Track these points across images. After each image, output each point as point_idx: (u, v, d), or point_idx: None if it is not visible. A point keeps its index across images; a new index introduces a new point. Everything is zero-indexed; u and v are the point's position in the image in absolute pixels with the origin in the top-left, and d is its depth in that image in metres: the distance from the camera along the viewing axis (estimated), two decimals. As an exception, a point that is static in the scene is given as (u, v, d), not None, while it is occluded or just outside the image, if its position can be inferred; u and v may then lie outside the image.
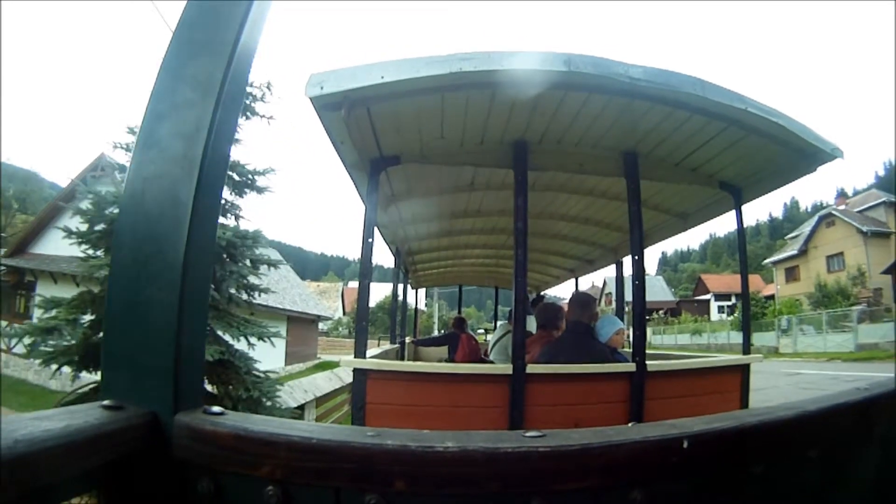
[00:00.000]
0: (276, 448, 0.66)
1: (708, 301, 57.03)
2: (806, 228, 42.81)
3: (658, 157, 3.59)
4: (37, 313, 9.83)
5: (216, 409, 0.73)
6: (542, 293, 9.08)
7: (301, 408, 8.80)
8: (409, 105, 2.86)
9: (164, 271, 0.74)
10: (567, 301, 4.93)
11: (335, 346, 37.98)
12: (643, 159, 3.54)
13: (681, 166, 3.69)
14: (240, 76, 0.85)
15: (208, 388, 7.15)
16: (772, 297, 42.07)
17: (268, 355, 20.29)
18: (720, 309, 54.29)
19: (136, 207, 0.77)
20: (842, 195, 42.94)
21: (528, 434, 0.68)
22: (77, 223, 7.38)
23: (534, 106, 3.04)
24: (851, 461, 0.82)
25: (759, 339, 30.67)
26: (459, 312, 10.21)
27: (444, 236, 6.50)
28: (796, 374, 14.87)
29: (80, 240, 7.23)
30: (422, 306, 13.32)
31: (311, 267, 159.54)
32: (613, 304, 6.67)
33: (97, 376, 6.11)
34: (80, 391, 6.88)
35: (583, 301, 3.82)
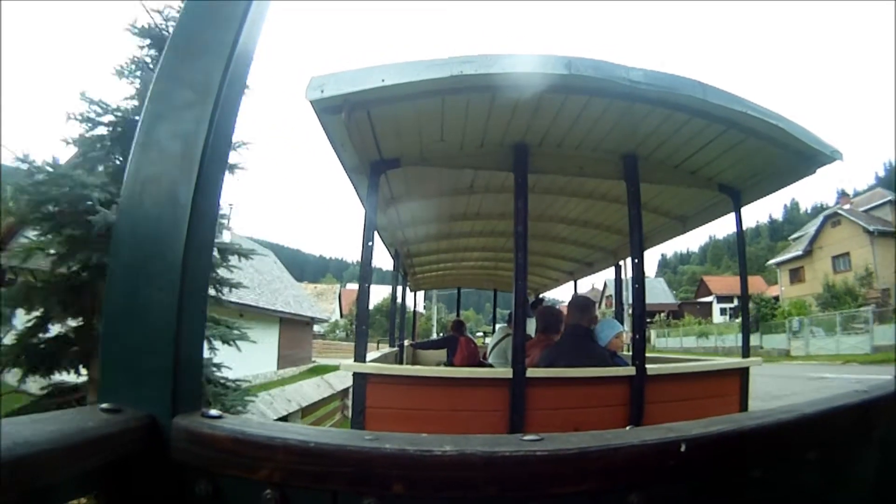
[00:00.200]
0: (273, 451, 0.66)
1: (710, 303, 56.69)
2: (811, 228, 42.21)
3: (658, 159, 3.60)
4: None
5: (214, 411, 0.73)
6: (540, 296, 9.08)
7: (284, 420, 8.13)
8: (410, 108, 2.86)
9: (163, 273, 0.74)
10: (566, 304, 4.94)
11: (331, 349, 37.65)
12: (643, 162, 3.55)
13: (680, 169, 3.70)
14: (238, 77, 0.85)
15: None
16: (776, 298, 41.35)
17: (259, 359, 19.58)
18: (723, 311, 53.81)
19: (135, 208, 0.77)
20: (843, 196, 42.40)
21: (525, 438, 0.68)
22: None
23: (534, 109, 3.05)
24: (850, 464, 0.82)
25: (768, 341, 30.19)
26: (458, 315, 10.21)
27: (444, 239, 6.50)
28: (819, 379, 13.84)
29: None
30: (420, 309, 13.22)
31: (309, 269, 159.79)
32: (614, 307, 6.67)
33: (58, 378, 5.97)
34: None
35: (582, 304, 3.82)
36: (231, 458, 0.67)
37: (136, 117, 5.98)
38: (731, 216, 3.96)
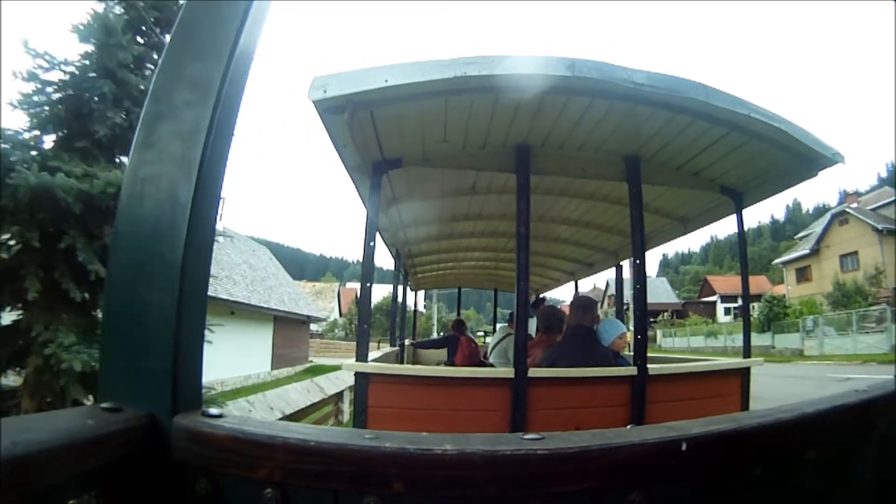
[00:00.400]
0: (274, 450, 0.66)
1: (714, 303, 56.38)
2: (817, 227, 41.52)
3: (660, 161, 3.60)
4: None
5: (214, 410, 0.73)
6: (541, 295, 9.08)
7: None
8: (413, 108, 2.87)
9: (163, 272, 0.74)
10: (568, 304, 4.94)
11: (330, 348, 37.28)
12: (645, 164, 3.55)
13: (682, 170, 3.70)
14: (239, 77, 0.85)
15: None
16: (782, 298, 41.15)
17: (252, 359, 19.13)
18: (727, 311, 53.34)
19: (135, 208, 0.77)
20: (846, 196, 41.98)
21: (526, 437, 0.68)
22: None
23: (537, 110, 3.05)
24: (850, 463, 0.82)
25: (780, 340, 29.79)
26: (459, 315, 10.20)
27: (445, 239, 6.50)
28: (847, 381, 12.31)
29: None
30: (421, 308, 13.18)
31: (310, 268, 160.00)
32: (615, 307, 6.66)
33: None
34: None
35: (584, 305, 3.82)
36: (231, 457, 0.67)
37: (92, 74, 5.47)
38: (733, 217, 3.96)
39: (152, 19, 6.36)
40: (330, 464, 0.65)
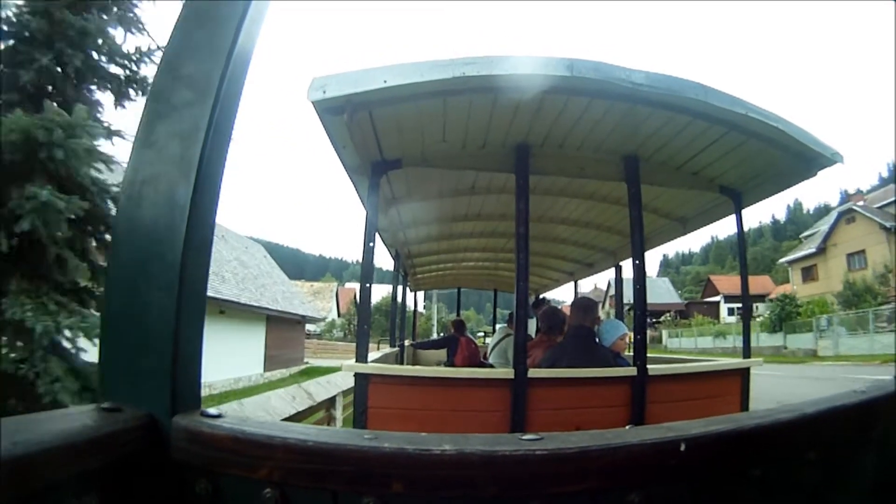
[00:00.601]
0: (273, 450, 0.66)
1: (718, 303, 55.99)
2: (823, 226, 41.13)
3: (659, 161, 3.60)
4: None
5: (214, 410, 0.74)
6: (541, 296, 9.09)
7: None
8: (412, 109, 2.87)
9: (162, 273, 0.74)
10: (567, 304, 4.94)
11: (328, 349, 36.26)
12: (644, 163, 3.55)
13: (681, 170, 3.70)
14: (237, 76, 0.85)
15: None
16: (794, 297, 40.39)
17: (243, 360, 18.45)
18: (730, 311, 52.84)
19: (134, 209, 0.77)
20: (848, 196, 41.76)
21: (525, 437, 0.68)
22: None
23: (536, 110, 3.05)
24: (850, 464, 0.82)
25: (793, 341, 29.14)
26: (458, 315, 10.20)
27: (444, 239, 6.50)
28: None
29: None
30: (420, 309, 13.16)
31: (309, 269, 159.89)
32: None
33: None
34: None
35: (585, 305, 3.82)
36: (231, 457, 0.67)
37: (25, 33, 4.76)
38: (732, 217, 3.97)
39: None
40: (329, 464, 0.65)
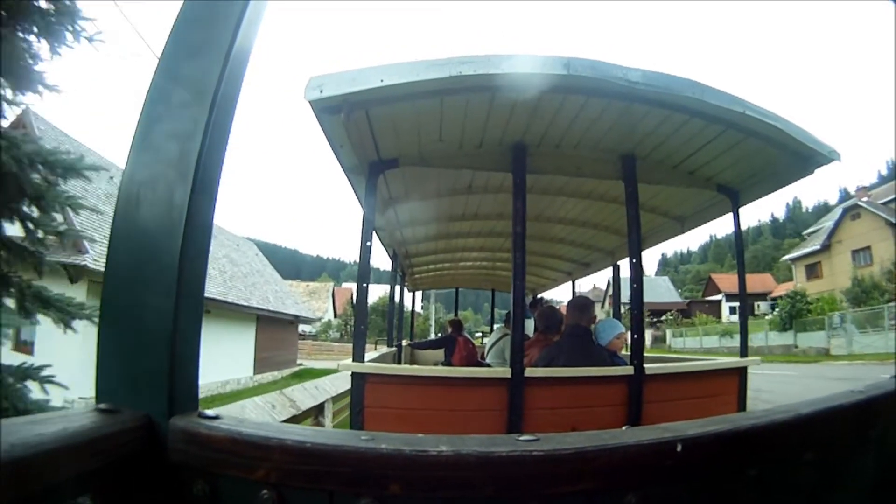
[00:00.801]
0: (270, 451, 0.66)
1: (719, 301, 55.79)
2: (827, 223, 40.67)
3: (656, 160, 3.61)
4: None
5: (210, 412, 0.74)
6: (538, 295, 9.09)
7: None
8: (409, 108, 2.87)
9: (160, 275, 0.74)
10: (565, 304, 4.94)
11: (323, 350, 35.45)
12: (641, 162, 3.55)
13: (679, 169, 3.71)
14: (235, 77, 0.85)
15: None
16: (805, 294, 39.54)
17: (231, 362, 17.79)
18: (732, 310, 52.32)
19: (132, 211, 0.77)
20: (851, 194, 41.46)
21: (522, 438, 0.68)
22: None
23: (533, 109, 3.05)
24: (847, 464, 0.82)
25: (803, 339, 28.31)
26: (456, 315, 10.21)
27: (442, 239, 6.50)
28: None
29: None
30: (418, 309, 13.14)
31: (306, 269, 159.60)
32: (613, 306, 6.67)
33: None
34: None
35: (581, 304, 3.83)
36: (228, 458, 0.67)
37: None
38: (730, 216, 3.97)
39: None
40: (326, 465, 0.65)
